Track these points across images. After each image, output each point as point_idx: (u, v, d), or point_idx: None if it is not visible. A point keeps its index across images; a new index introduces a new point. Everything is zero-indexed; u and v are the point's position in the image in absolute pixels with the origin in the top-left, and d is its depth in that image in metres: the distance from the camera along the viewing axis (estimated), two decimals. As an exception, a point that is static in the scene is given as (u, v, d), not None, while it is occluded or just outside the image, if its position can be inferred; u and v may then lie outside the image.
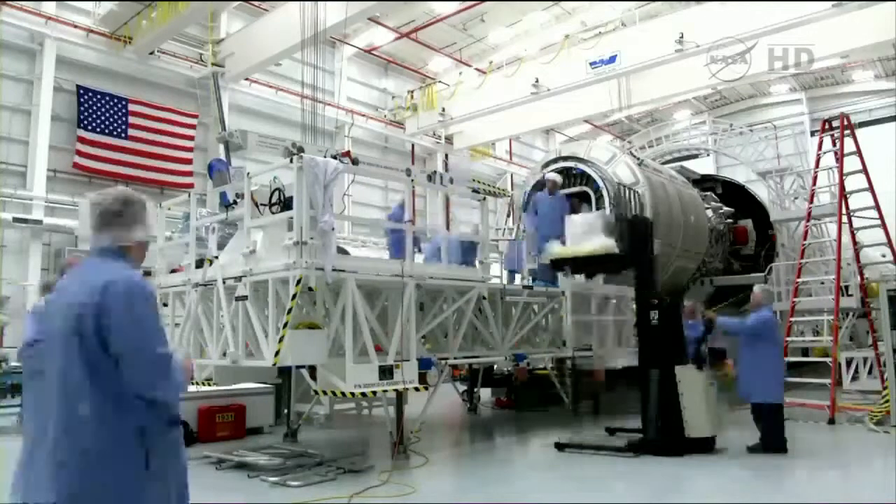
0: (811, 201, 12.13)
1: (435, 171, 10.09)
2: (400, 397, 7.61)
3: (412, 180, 8.30)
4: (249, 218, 7.31)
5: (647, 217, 8.92)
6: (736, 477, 6.76)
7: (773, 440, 7.47)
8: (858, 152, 11.29)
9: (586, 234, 8.87)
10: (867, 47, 16.65)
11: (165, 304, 8.41)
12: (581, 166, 12.27)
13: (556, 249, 9.25)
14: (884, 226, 11.28)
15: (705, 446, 7.47)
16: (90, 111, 16.85)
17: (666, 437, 7.42)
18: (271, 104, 20.76)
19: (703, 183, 16.97)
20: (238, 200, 7.95)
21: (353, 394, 6.76)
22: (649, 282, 8.03)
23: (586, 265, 8.84)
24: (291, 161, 6.84)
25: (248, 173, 7.54)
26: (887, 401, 9.32)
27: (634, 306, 8.35)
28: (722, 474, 6.85)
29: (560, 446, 7.98)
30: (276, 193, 7.38)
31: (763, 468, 7.00)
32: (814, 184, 12.13)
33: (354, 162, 7.64)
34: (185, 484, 2.53)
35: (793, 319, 11.27)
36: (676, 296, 8.56)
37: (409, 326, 7.41)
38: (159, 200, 10.07)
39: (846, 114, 11.80)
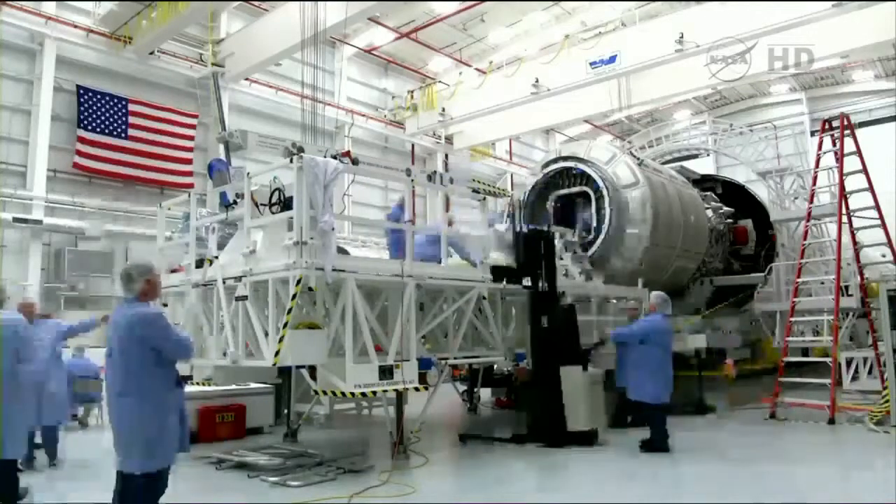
0: (811, 201, 12.12)
1: (435, 171, 10.07)
2: (400, 397, 7.61)
3: (412, 180, 8.30)
4: (249, 218, 7.31)
5: (545, 230, 9.50)
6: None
7: (654, 440, 7.82)
8: (858, 152, 11.28)
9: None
10: (867, 47, 16.63)
11: (165, 305, 8.40)
12: (581, 166, 12.30)
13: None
14: (884, 226, 11.27)
15: (586, 439, 8.12)
16: (90, 111, 16.85)
17: (548, 430, 8.17)
18: (271, 104, 20.75)
19: (703, 183, 16.99)
20: (238, 200, 7.95)
21: (353, 394, 6.75)
22: (543, 289, 8.73)
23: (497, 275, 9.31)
24: (291, 161, 6.83)
25: (248, 173, 7.53)
26: (887, 401, 9.32)
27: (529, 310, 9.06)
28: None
29: (462, 437, 8.80)
30: (276, 193, 7.36)
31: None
32: (814, 184, 12.11)
33: (354, 162, 7.63)
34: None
35: (793, 319, 11.26)
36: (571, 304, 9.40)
37: (409, 326, 7.40)
38: (159, 200, 10.07)
39: (846, 114, 11.78)
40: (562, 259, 10.47)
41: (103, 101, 17.06)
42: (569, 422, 8.18)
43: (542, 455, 7.86)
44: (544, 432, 8.24)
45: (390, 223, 10.22)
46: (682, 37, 15.55)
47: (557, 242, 10.43)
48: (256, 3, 19.89)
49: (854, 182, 11.30)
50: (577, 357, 8.63)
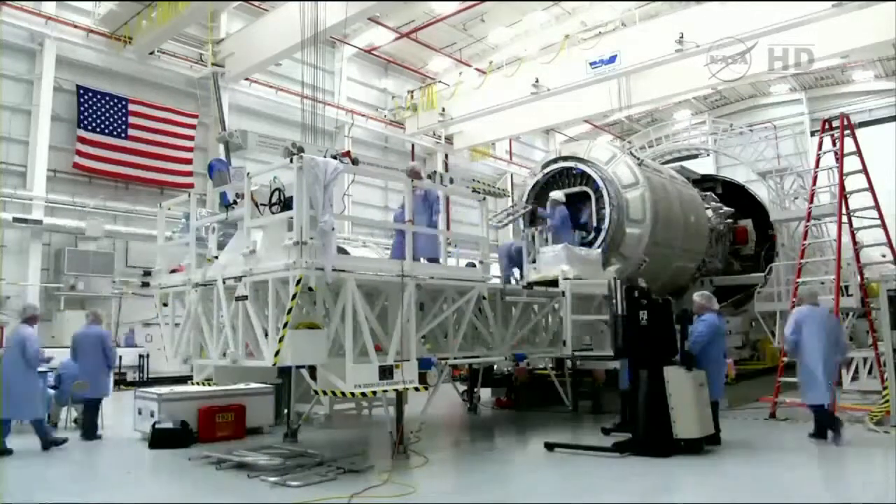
0: (811, 201, 12.10)
1: (435, 171, 10.08)
2: (400, 397, 7.61)
3: (412, 180, 8.29)
4: (249, 218, 7.31)
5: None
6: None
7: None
8: (858, 152, 11.26)
9: (553, 263, 10.24)
10: (867, 47, 16.67)
11: (165, 304, 8.41)
12: (581, 166, 12.30)
13: (532, 275, 10.41)
14: (884, 226, 11.26)
15: (694, 447, 7.37)
16: (90, 111, 16.87)
17: (653, 438, 7.36)
18: (271, 104, 20.78)
19: (703, 183, 16.99)
20: (238, 200, 7.95)
21: (353, 394, 6.76)
22: (638, 283, 8.34)
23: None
24: (291, 161, 6.83)
25: (248, 173, 7.53)
26: (887, 401, 9.31)
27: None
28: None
29: (550, 446, 7.94)
30: (276, 193, 7.36)
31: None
32: (814, 184, 12.09)
33: (354, 162, 7.64)
34: None
35: (793, 319, 11.24)
36: (670, 296, 8.89)
37: (409, 326, 7.41)
38: (159, 200, 10.07)
39: (846, 114, 11.77)
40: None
41: (103, 101, 17.08)
42: (675, 429, 7.35)
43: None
44: (648, 440, 7.40)
45: (395, 224, 10.17)
46: (682, 37, 15.57)
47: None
48: (256, 3, 19.91)
49: (854, 182, 11.28)
50: (675, 356, 7.83)
